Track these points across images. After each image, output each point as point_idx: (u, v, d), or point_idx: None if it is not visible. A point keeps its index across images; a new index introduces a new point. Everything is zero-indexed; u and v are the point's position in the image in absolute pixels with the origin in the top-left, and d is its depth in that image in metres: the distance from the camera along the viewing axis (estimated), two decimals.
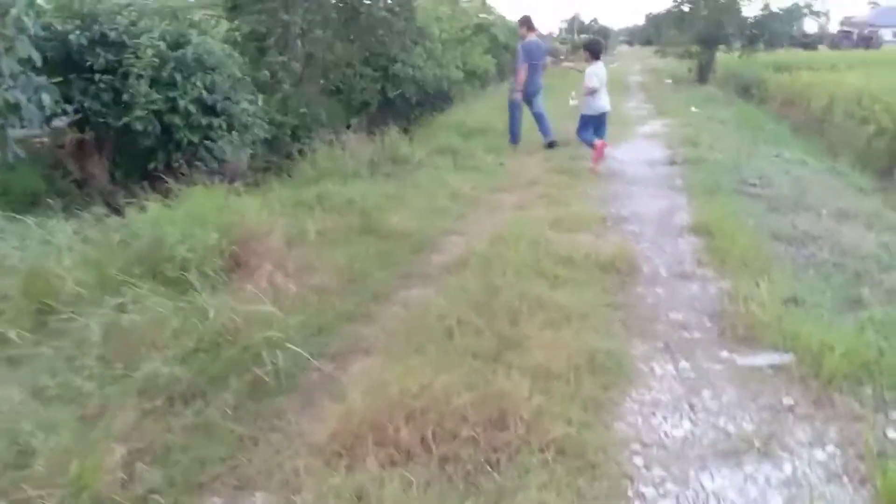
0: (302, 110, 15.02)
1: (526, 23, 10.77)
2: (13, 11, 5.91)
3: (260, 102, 10.84)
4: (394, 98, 19.08)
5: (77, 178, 8.00)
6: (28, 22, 5.89)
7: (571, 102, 9.75)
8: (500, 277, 4.14)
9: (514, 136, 10.61)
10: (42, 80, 6.17)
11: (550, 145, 10.22)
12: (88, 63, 7.38)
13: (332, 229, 5.31)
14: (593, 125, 8.95)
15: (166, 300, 3.41)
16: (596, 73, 8.87)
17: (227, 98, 9.04)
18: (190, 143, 8.23)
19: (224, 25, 14.14)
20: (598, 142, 8.74)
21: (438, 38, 23.58)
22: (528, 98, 10.52)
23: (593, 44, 9.73)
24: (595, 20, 70.28)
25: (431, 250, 5.25)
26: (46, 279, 3.51)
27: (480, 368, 3.07)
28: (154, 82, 7.95)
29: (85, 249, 4.01)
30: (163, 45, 8.14)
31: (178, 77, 8.19)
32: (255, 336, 3.19)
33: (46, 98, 6.13)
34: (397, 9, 17.34)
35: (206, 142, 8.40)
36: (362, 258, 4.78)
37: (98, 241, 4.16)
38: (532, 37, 10.61)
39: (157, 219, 4.24)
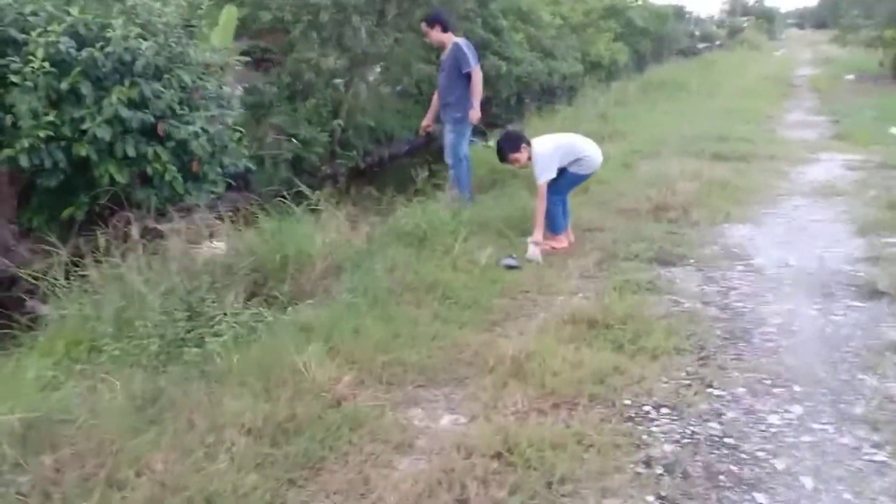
0: (337, 122, 11.32)
1: (440, 21, 6.27)
2: None
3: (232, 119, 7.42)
4: (486, 98, 14.95)
5: None
6: None
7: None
8: None
9: (468, 191, 6.31)
10: None
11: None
12: None
13: None
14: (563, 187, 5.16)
15: None
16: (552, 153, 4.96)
17: (174, 115, 6.28)
18: (115, 181, 5.79)
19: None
20: (562, 240, 5.17)
21: (551, 23, 19.03)
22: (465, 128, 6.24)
23: (513, 139, 5.14)
24: (759, 1, 61.06)
25: None
26: None
27: None
28: (60, 98, 5.65)
29: None
30: (64, 44, 5.66)
31: (86, 90, 5.72)
32: None
33: None
34: None
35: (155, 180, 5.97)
36: None
37: None
38: (458, 39, 6.22)
39: None
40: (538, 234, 4.90)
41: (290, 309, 3.63)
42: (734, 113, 11.62)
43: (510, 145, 5.00)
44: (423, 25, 6.36)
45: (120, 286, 3.52)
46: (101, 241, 3.78)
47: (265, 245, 4.10)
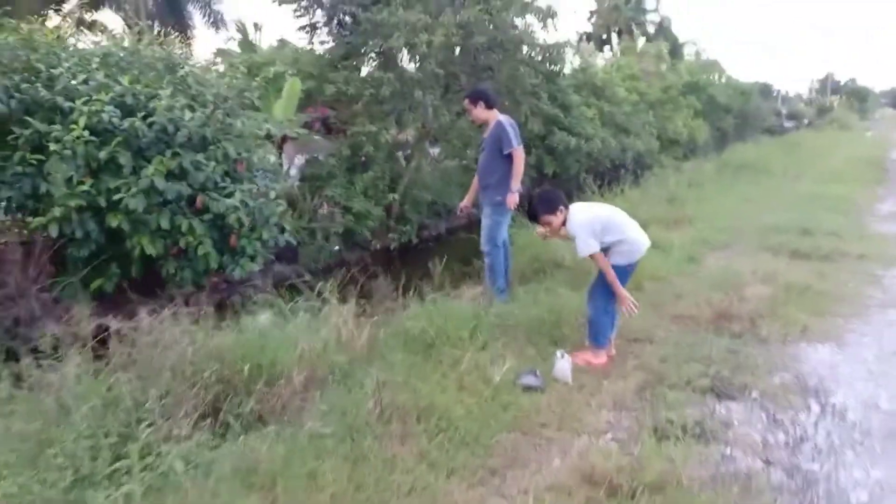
0: (392, 196, 10.94)
1: (484, 98, 5.72)
2: None
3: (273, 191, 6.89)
4: (553, 173, 14.39)
5: None
6: None
7: None
8: None
9: (504, 282, 5.65)
10: None
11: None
12: (14, 136, 5.30)
13: None
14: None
15: None
16: (589, 223, 4.19)
17: (217, 187, 6.14)
18: (145, 255, 5.71)
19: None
20: (601, 356, 4.31)
21: (627, 99, 18.46)
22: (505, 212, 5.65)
23: (550, 199, 4.31)
24: (852, 80, 58.97)
25: None
26: None
27: None
28: (101, 166, 5.58)
29: None
30: (108, 113, 5.59)
31: (125, 160, 5.63)
32: None
33: None
34: (539, 58, 12.57)
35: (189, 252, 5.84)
36: None
37: None
38: (501, 117, 5.64)
39: None
40: (622, 296, 4.15)
41: (242, 437, 2.99)
42: (820, 200, 10.53)
43: (545, 206, 4.21)
44: (467, 102, 5.85)
45: (47, 398, 2.98)
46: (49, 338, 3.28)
47: (238, 349, 3.51)
